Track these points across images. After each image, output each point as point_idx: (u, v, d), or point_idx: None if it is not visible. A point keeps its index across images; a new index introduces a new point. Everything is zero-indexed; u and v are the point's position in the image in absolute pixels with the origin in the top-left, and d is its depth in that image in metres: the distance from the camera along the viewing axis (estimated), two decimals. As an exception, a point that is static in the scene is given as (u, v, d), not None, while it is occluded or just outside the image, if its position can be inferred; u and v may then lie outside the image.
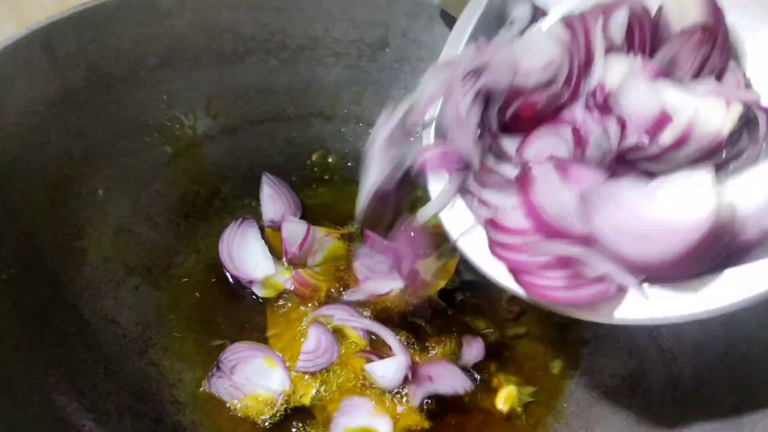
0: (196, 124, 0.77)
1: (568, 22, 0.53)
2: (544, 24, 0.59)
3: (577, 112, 0.52)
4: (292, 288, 0.71)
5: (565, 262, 0.45)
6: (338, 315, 0.68)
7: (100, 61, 0.69)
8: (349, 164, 0.85)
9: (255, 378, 0.64)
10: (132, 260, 0.68)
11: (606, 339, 0.69)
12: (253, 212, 0.78)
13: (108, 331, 0.62)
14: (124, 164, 0.71)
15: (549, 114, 0.54)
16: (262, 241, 0.74)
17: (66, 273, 0.61)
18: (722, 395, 0.56)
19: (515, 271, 0.48)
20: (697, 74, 0.52)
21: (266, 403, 0.63)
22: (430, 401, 0.64)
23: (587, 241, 0.44)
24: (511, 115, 0.54)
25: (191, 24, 0.75)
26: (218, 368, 0.64)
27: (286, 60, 0.81)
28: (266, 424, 0.62)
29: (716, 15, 0.52)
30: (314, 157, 0.84)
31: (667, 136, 0.48)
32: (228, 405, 0.63)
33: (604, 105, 0.51)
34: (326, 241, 0.75)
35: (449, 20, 0.78)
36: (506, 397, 0.67)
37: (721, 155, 0.49)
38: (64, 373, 0.54)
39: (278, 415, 0.63)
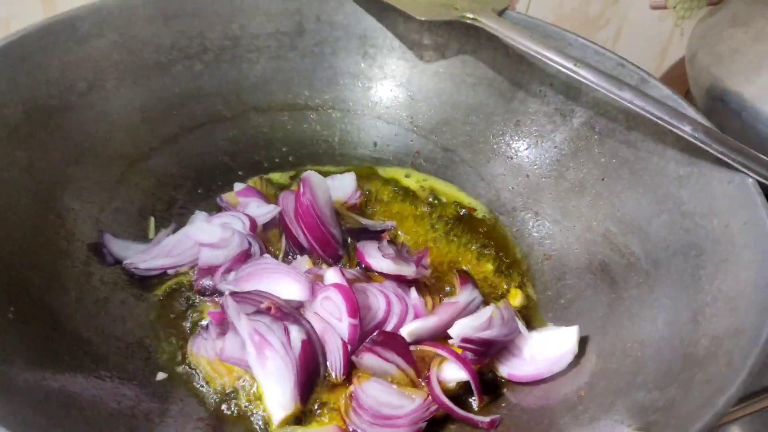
0: (137, 138, 0.78)
1: None
2: None
3: None
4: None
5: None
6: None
7: (33, 93, 0.69)
8: (290, 152, 0.88)
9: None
10: (110, 277, 0.69)
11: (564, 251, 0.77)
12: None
13: (110, 345, 0.63)
14: (79, 189, 0.71)
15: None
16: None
17: (56, 301, 0.62)
18: (678, 267, 0.64)
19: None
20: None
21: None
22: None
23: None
24: None
25: (112, 43, 0.76)
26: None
27: (210, 63, 0.84)
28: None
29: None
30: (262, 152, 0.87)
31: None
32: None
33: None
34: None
35: (358, -4, 0.83)
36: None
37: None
38: (85, 387, 0.56)
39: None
